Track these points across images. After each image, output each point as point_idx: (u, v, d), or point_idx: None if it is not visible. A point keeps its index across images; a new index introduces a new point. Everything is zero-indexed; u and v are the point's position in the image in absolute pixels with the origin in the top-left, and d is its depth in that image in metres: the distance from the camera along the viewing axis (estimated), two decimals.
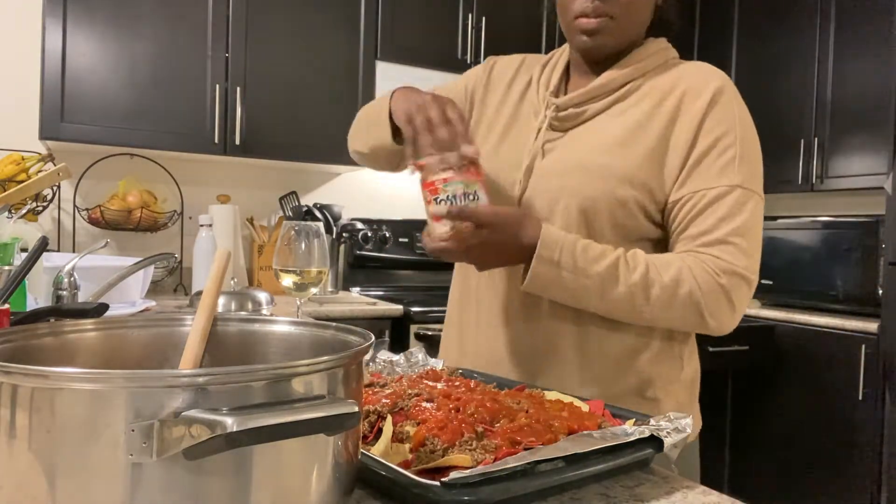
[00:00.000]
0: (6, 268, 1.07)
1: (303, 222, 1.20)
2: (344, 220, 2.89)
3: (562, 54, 1.18)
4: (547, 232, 0.95)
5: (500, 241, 0.95)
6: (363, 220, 2.96)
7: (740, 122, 1.05)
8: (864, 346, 2.55)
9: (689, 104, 1.04)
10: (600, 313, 1.01)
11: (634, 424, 0.75)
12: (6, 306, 0.88)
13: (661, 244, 1.07)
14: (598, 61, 1.11)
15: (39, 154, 2.33)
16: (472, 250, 0.94)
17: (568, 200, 1.04)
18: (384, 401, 0.79)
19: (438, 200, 0.92)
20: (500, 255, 0.98)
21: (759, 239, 1.01)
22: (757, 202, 1.01)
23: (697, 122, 1.03)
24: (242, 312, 1.57)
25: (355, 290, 2.91)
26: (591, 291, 0.96)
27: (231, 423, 0.41)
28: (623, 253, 0.98)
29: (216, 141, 2.46)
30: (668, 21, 1.14)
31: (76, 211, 2.58)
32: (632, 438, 0.70)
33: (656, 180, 1.03)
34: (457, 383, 0.91)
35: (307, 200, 2.91)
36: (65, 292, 1.40)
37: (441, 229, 0.93)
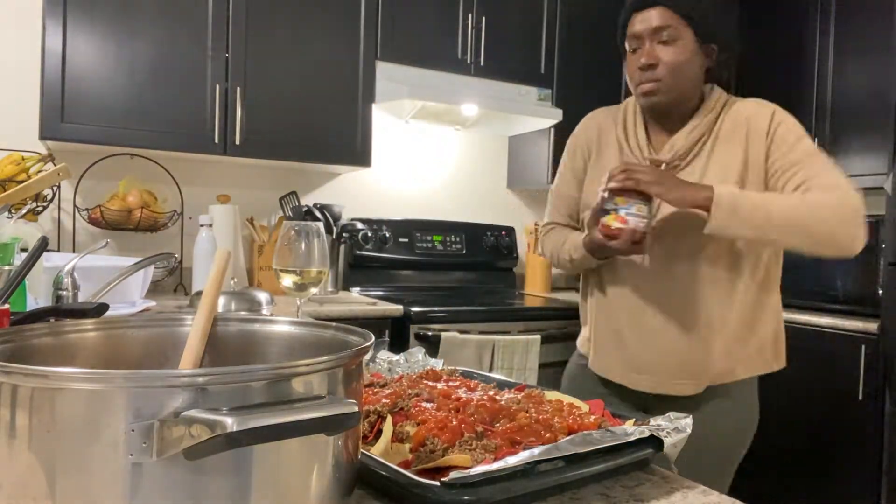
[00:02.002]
0: (6, 268, 1.07)
1: (303, 222, 1.20)
2: (344, 220, 2.89)
3: (631, 112, 1.43)
4: (720, 187, 1.20)
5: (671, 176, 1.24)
6: (363, 220, 2.96)
7: (791, 123, 1.34)
8: (864, 346, 2.55)
9: (755, 129, 1.31)
10: (779, 233, 1.22)
11: (634, 424, 0.75)
12: (6, 306, 0.88)
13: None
14: (663, 115, 1.36)
15: (39, 154, 2.33)
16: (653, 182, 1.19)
17: (692, 239, 1.28)
18: (384, 401, 0.79)
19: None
20: (679, 184, 1.21)
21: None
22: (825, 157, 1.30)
23: (766, 137, 1.31)
24: (242, 312, 1.57)
25: (355, 290, 2.91)
26: (764, 218, 1.18)
27: (231, 423, 0.41)
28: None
29: (216, 141, 2.46)
30: (719, 72, 1.39)
31: (76, 211, 2.58)
32: (632, 438, 0.70)
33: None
34: (457, 383, 0.91)
35: (307, 200, 2.91)
36: (65, 292, 1.40)
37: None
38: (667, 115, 1.36)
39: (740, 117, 1.33)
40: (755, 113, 1.33)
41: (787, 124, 1.32)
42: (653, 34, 1.29)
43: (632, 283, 1.35)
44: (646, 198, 1.20)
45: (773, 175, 1.28)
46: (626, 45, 1.35)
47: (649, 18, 1.29)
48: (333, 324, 0.67)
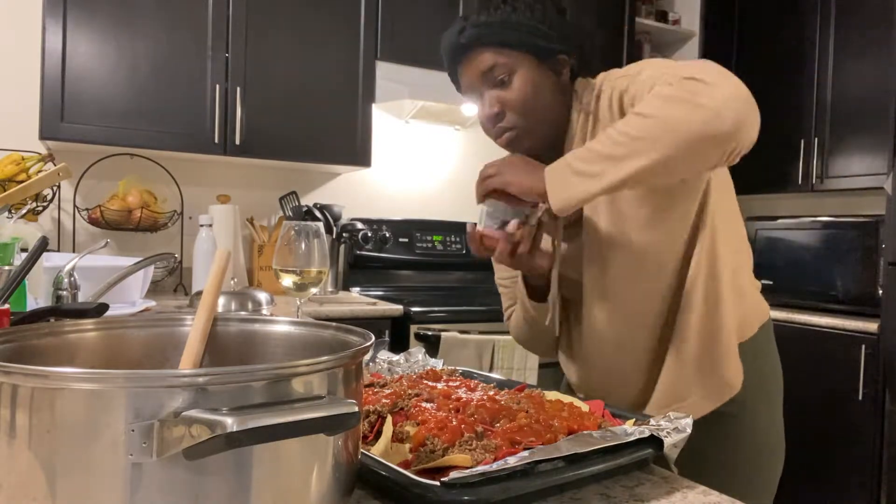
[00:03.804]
0: (6, 268, 1.06)
1: (303, 222, 1.20)
2: (344, 220, 2.89)
3: None
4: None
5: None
6: (363, 220, 2.96)
7: (653, 64, 1.03)
8: (864, 346, 2.55)
9: (606, 111, 1.06)
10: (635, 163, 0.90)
11: (634, 424, 0.75)
12: (6, 306, 0.88)
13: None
14: (546, 156, 1.09)
15: (39, 154, 2.33)
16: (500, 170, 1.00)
17: (622, 259, 1.08)
18: (384, 401, 0.79)
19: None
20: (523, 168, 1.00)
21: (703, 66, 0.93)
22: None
23: (611, 112, 1.05)
24: (242, 312, 1.57)
25: (355, 290, 2.91)
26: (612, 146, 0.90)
27: (231, 423, 0.41)
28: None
29: (216, 141, 2.46)
30: (585, 69, 1.13)
31: (76, 211, 2.58)
32: (632, 438, 0.70)
33: None
34: (457, 383, 0.91)
35: (307, 200, 2.91)
36: (65, 292, 1.40)
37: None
38: (548, 155, 1.09)
39: (600, 113, 1.07)
40: (603, 95, 1.06)
41: (639, 73, 1.02)
42: (485, 79, 1.08)
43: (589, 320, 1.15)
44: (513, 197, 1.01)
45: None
46: (468, 97, 1.14)
47: (474, 65, 1.09)
48: (333, 324, 0.67)
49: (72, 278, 1.41)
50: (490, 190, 1.01)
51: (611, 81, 1.07)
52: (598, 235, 1.08)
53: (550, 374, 2.41)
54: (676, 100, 0.87)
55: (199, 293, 1.22)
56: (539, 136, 1.10)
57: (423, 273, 3.11)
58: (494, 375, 1.03)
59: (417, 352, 1.15)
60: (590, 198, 0.92)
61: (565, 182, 0.92)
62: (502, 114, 1.09)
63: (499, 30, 1.07)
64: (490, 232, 1.03)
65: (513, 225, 1.02)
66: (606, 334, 1.13)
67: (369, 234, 2.91)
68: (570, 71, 1.11)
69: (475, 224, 1.05)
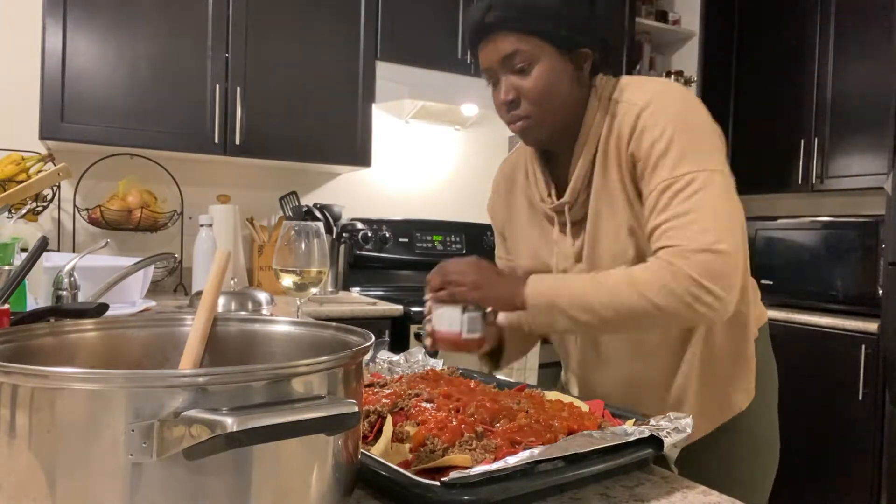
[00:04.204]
0: (6, 268, 1.06)
1: (303, 222, 1.20)
2: (344, 220, 2.89)
3: (530, 156, 1.19)
4: (533, 282, 1.01)
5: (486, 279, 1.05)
6: (363, 220, 2.96)
7: (673, 119, 1.00)
8: (864, 346, 2.55)
9: (622, 137, 1.04)
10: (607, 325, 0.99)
11: (634, 424, 0.75)
12: (6, 306, 0.88)
13: None
14: (555, 148, 1.13)
15: (39, 154, 2.32)
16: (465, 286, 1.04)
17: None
18: (384, 401, 0.79)
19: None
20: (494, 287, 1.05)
21: (719, 210, 0.96)
22: (709, 177, 0.97)
23: (627, 148, 1.03)
24: (242, 312, 1.57)
25: (355, 290, 2.91)
26: (587, 314, 0.97)
27: (231, 423, 0.41)
28: (610, 279, 0.99)
29: (216, 141, 2.46)
30: (603, 68, 1.11)
31: (76, 211, 2.58)
32: (632, 438, 0.70)
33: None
34: (457, 383, 0.91)
35: (307, 200, 2.91)
36: (65, 292, 1.40)
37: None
38: (560, 147, 1.12)
39: (614, 129, 1.06)
40: (623, 113, 1.04)
41: (655, 125, 1.00)
42: (504, 65, 1.06)
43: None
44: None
45: (646, 206, 1.01)
46: (485, 78, 1.13)
47: (495, 48, 1.06)
48: (333, 324, 0.67)
49: (72, 278, 1.41)
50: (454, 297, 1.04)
51: (628, 102, 1.05)
52: (600, 240, 1.08)
53: (550, 374, 2.41)
54: (680, 300, 0.93)
55: (199, 293, 1.22)
56: (552, 127, 1.09)
57: (423, 273, 3.08)
58: (494, 376, 1.03)
59: (417, 352, 1.15)
60: (571, 332, 1.02)
61: (551, 317, 0.98)
62: (517, 101, 1.07)
63: (526, 16, 1.04)
64: (448, 336, 1.06)
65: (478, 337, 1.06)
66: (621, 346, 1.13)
67: (369, 234, 2.91)
68: (592, 65, 1.09)
69: (429, 320, 1.09)
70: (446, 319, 1.07)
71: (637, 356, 1.11)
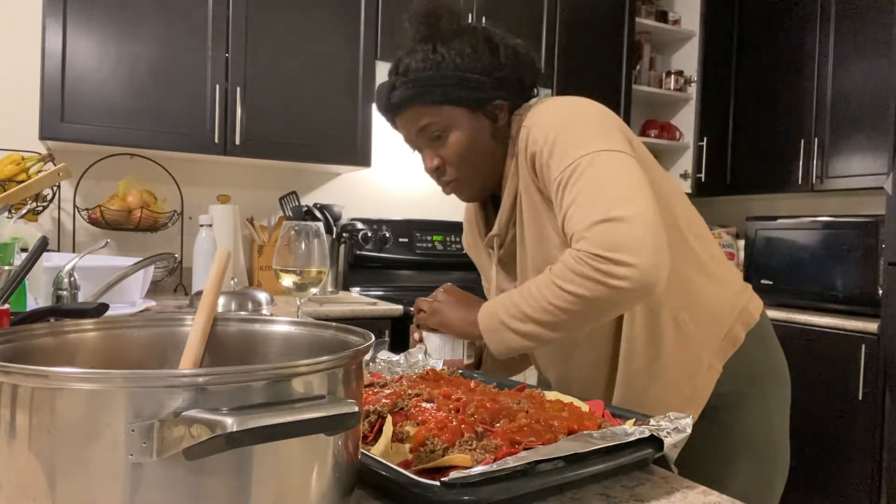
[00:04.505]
0: (6, 268, 1.06)
1: (303, 222, 1.20)
2: (344, 220, 2.89)
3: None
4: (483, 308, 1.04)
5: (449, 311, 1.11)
6: (363, 220, 2.96)
7: (554, 124, 1.01)
8: (864, 346, 2.55)
9: (525, 164, 1.05)
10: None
11: (634, 424, 0.75)
12: (6, 306, 0.88)
13: None
14: (493, 193, 1.18)
15: (39, 154, 2.32)
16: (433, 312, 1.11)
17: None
18: (384, 401, 0.79)
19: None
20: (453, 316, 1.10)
21: (607, 182, 0.93)
22: (591, 158, 0.95)
23: (533, 166, 1.04)
24: (242, 312, 1.57)
25: (355, 290, 2.91)
26: (528, 324, 0.98)
27: (231, 423, 0.41)
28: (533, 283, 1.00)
29: (216, 141, 2.46)
30: (529, 96, 1.14)
31: (76, 211, 2.58)
32: (632, 438, 0.70)
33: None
34: (457, 383, 0.91)
35: (307, 200, 2.91)
36: (65, 292, 1.40)
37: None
38: (497, 191, 1.16)
39: (518, 151, 1.08)
40: (521, 139, 1.06)
41: (539, 136, 1.01)
42: (421, 136, 1.11)
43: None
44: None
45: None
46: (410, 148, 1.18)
47: (410, 122, 1.11)
48: (333, 324, 0.67)
49: (72, 278, 1.41)
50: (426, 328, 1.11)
51: (523, 127, 1.05)
52: (527, 260, 1.11)
53: None
54: (591, 281, 0.90)
55: (199, 293, 1.22)
56: (478, 183, 1.13)
57: (423, 273, 3.11)
58: (494, 376, 1.03)
59: (417, 352, 1.15)
60: (529, 348, 1.01)
61: (500, 335, 1.00)
62: (443, 168, 1.12)
63: (429, 89, 1.06)
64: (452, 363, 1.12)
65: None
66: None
67: (369, 234, 2.91)
68: (508, 111, 1.11)
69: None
70: (448, 350, 1.12)
71: (575, 348, 1.13)
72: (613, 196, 0.91)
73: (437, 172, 1.13)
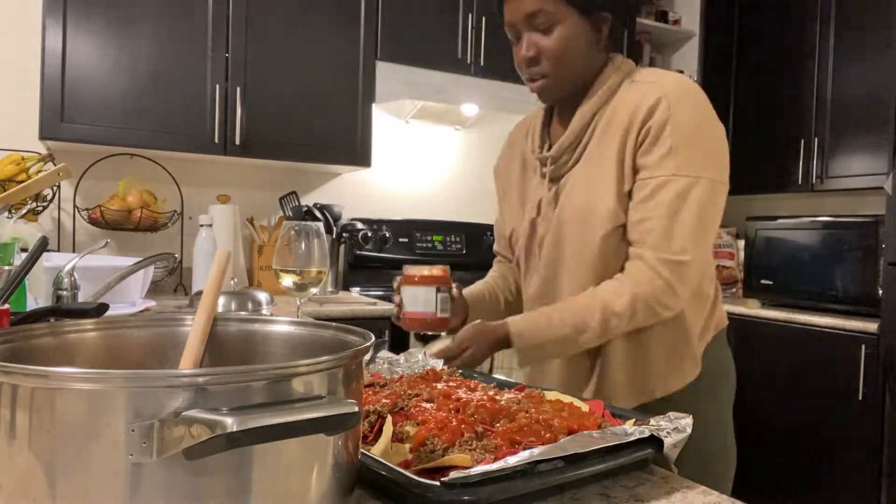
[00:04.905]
0: (6, 268, 1.06)
1: (303, 222, 1.20)
2: (344, 220, 2.89)
3: (537, 113, 1.28)
4: (514, 327, 1.13)
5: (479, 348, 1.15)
6: (363, 220, 2.96)
7: (689, 118, 1.07)
8: (864, 346, 2.55)
9: (634, 122, 1.09)
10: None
11: (634, 424, 0.75)
12: (6, 306, 0.88)
13: None
14: (566, 107, 1.20)
15: (39, 154, 2.32)
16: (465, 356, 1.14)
17: (571, 246, 1.15)
18: (384, 401, 0.79)
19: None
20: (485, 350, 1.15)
21: (693, 217, 1.05)
22: (693, 184, 1.05)
23: (637, 138, 1.09)
24: (242, 312, 1.57)
25: (355, 290, 2.91)
26: (568, 347, 1.12)
27: (231, 423, 0.41)
28: (579, 304, 1.10)
29: (216, 141, 2.46)
30: (619, 39, 1.18)
31: (76, 211, 2.58)
32: (632, 438, 0.70)
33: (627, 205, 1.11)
34: (457, 383, 0.91)
35: (307, 200, 2.91)
36: (65, 292, 1.40)
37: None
38: (567, 106, 1.20)
39: (629, 102, 1.11)
40: (641, 98, 1.09)
41: (670, 124, 1.06)
42: (527, 22, 1.11)
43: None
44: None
45: (635, 190, 1.10)
46: (508, 34, 1.18)
47: (520, 5, 1.10)
48: (333, 324, 0.67)
49: (72, 278, 1.41)
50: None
51: (654, 84, 1.09)
52: (571, 195, 1.16)
53: None
54: (649, 312, 1.08)
55: (199, 293, 1.22)
56: (569, 87, 1.15)
57: None
58: (494, 375, 1.03)
59: (417, 352, 1.15)
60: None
61: (537, 356, 1.14)
62: (538, 59, 1.12)
63: None
64: (422, 316, 1.19)
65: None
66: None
67: (369, 234, 2.91)
68: (611, 28, 1.14)
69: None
70: (421, 301, 1.16)
71: None
72: (692, 234, 1.05)
73: (529, 63, 1.13)
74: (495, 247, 1.45)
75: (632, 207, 1.09)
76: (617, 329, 1.09)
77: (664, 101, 1.06)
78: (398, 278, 1.23)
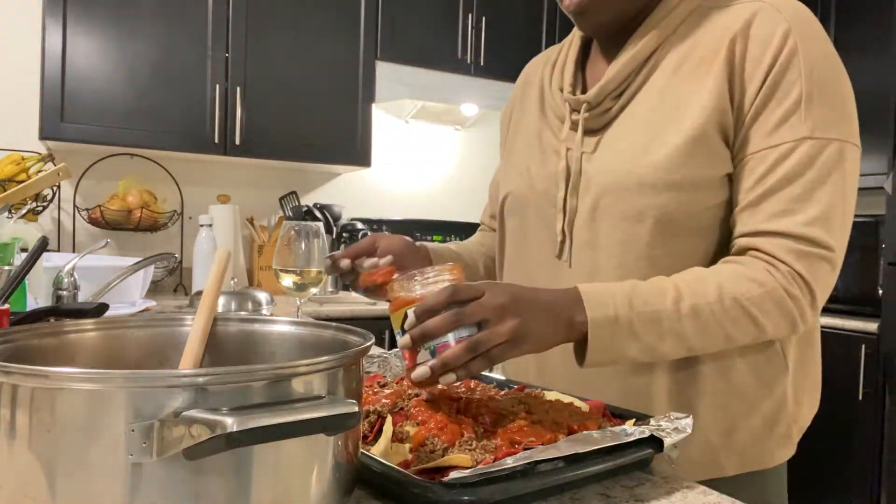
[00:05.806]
0: (6, 268, 1.07)
1: (303, 222, 1.20)
2: (344, 220, 2.89)
3: (571, 45, 0.98)
4: (587, 291, 0.76)
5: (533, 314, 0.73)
6: (363, 220, 2.96)
7: (823, 60, 0.79)
8: (864, 346, 2.55)
9: (750, 52, 0.80)
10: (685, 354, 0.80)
11: (634, 424, 0.75)
12: (6, 306, 0.88)
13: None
14: (611, 39, 0.91)
15: (39, 154, 2.33)
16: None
17: (610, 226, 0.86)
18: (384, 401, 0.79)
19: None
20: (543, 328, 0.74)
21: (837, 200, 0.77)
22: (836, 151, 0.77)
23: (764, 76, 0.79)
24: (242, 312, 1.57)
25: None
26: (671, 335, 0.76)
27: (231, 423, 0.41)
28: (678, 282, 0.78)
29: (216, 141, 2.46)
30: None
31: (76, 211, 2.58)
32: (632, 438, 0.70)
33: (713, 163, 0.81)
34: (457, 383, 0.91)
35: (307, 200, 2.91)
36: (65, 292, 1.40)
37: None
38: (614, 36, 0.90)
39: (724, 26, 0.82)
40: (754, 21, 0.80)
41: (800, 65, 0.77)
42: None
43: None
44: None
45: (740, 159, 0.81)
46: None
47: None
48: (333, 324, 0.67)
49: (72, 278, 1.41)
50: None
51: (732, 16, 0.82)
52: (606, 154, 0.87)
53: None
54: (787, 319, 0.79)
55: (199, 293, 1.22)
56: (617, 9, 0.87)
57: None
58: (494, 375, 1.03)
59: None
60: (628, 362, 0.79)
61: (616, 343, 0.75)
62: None
63: None
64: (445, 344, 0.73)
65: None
66: None
67: (369, 234, 2.91)
68: None
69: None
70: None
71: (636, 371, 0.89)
72: (838, 221, 0.78)
73: None
74: (482, 216, 1.21)
75: (746, 181, 0.80)
76: (738, 325, 0.77)
77: (791, 32, 0.78)
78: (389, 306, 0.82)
